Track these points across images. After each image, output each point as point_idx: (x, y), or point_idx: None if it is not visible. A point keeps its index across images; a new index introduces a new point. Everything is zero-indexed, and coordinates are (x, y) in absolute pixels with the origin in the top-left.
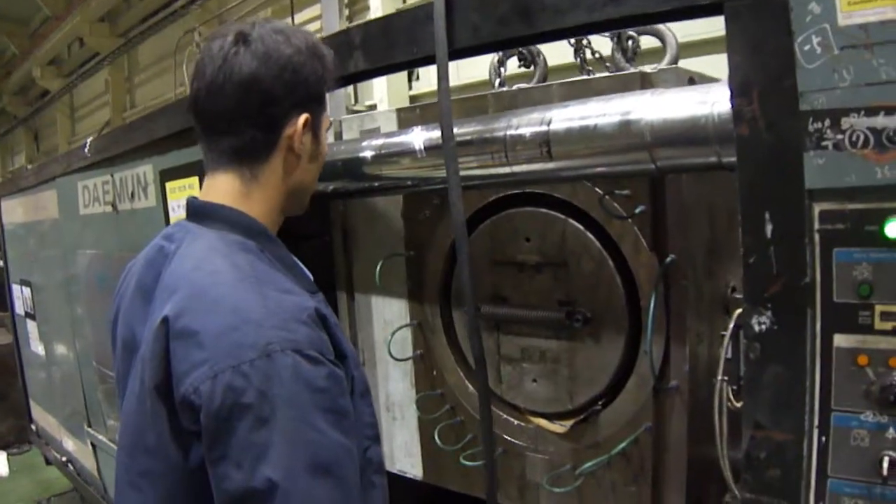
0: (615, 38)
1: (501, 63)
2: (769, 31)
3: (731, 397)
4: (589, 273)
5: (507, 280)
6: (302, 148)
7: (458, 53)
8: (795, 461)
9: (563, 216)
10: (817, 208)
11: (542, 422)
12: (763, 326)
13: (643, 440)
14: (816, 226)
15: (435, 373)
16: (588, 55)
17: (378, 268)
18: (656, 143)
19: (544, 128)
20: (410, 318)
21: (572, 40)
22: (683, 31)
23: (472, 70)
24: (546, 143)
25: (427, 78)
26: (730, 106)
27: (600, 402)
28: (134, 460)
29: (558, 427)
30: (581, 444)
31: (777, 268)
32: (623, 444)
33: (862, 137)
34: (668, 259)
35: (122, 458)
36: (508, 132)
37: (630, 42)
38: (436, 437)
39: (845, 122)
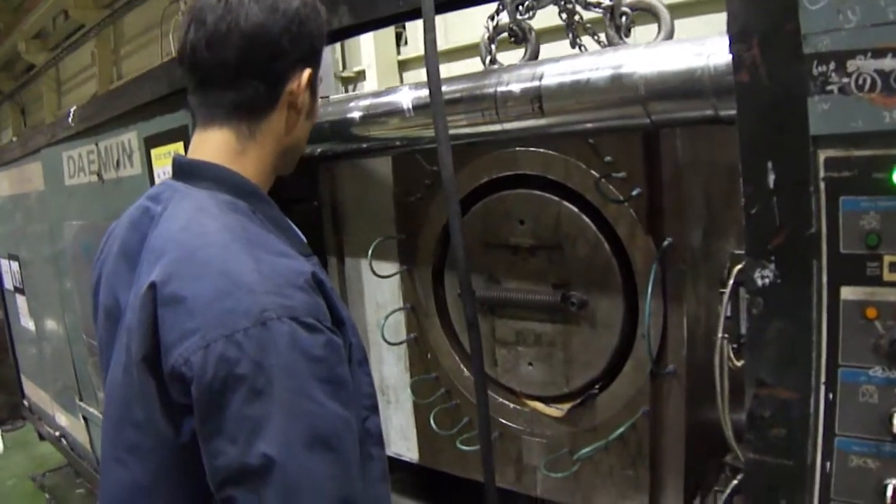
0: (608, 14)
1: (492, 40)
2: None
3: (732, 356)
4: (584, 256)
5: (500, 263)
6: (302, 104)
7: (444, 6)
8: (801, 419)
9: (557, 199)
10: (822, 155)
11: (539, 405)
12: (766, 280)
13: (641, 424)
14: (822, 174)
15: (429, 356)
16: (581, 32)
17: (370, 251)
18: (651, 97)
19: (536, 83)
20: (403, 302)
21: (563, 15)
22: None
23: (460, 34)
24: (538, 99)
25: (415, 43)
26: (727, 56)
27: (597, 386)
28: (120, 435)
29: (555, 411)
30: (578, 427)
31: (780, 219)
32: (621, 429)
33: (869, 80)
34: (665, 243)
35: (107, 432)
36: (499, 88)
37: (624, 18)
38: (431, 422)
39: (851, 65)
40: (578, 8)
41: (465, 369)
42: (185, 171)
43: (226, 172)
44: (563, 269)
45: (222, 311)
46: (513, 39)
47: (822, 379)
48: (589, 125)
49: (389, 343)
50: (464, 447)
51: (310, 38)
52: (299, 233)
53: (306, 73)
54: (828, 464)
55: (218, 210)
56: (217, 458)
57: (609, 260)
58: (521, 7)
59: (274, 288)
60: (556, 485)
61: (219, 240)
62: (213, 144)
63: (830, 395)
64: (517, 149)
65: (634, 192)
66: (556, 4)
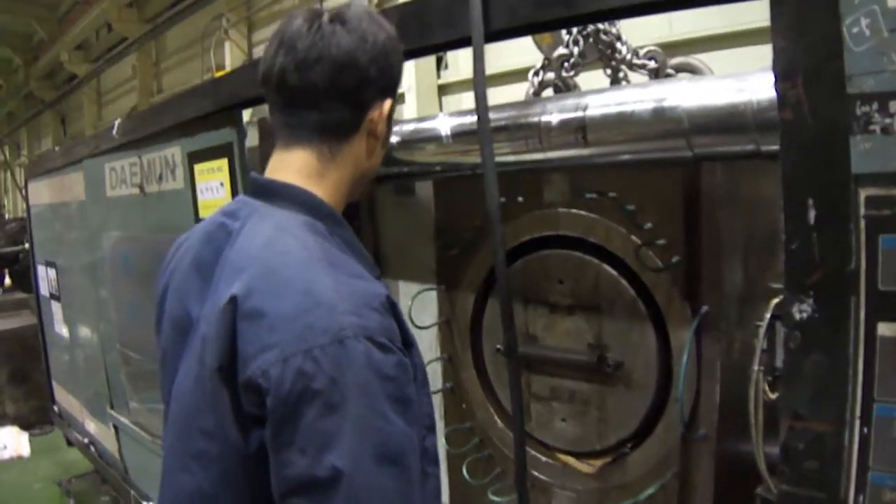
0: (653, 75)
1: (537, 94)
2: (816, 14)
3: (767, 389)
4: (621, 319)
5: (538, 320)
6: (381, 132)
7: (494, 35)
8: (835, 453)
9: (597, 261)
10: (863, 193)
11: (571, 460)
12: (804, 314)
13: (670, 485)
14: (862, 211)
15: (464, 406)
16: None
17: (410, 302)
18: (694, 130)
19: (580, 114)
20: (441, 352)
21: (608, 71)
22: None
23: (503, 59)
24: (582, 129)
25: (455, 66)
26: (769, 93)
27: (629, 445)
28: (187, 443)
29: (586, 466)
30: (608, 484)
31: (820, 254)
32: (651, 489)
33: None
34: (702, 310)
35: (171, 440)
36: (543, 118)
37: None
38: (464, 471)
39: (893, 106)
40: (624, 68)
41: (499, 420)
42: (264, 190)
43: (305, 194)
44: (600, 329)
45: (302, 327)
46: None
47: (858, 413)
48: (632, 156)
49: None
50: (495, 498)
51: (392, 69)
52: (370, 257)
53: (387, 102)
54: (861, 497)
55: (299, 230)
56: (286, 469)
57: (645, 324)
58: (566, 64)
59: (352, 308)
60: None
61: (300, 259)
62: (294, 164)
63: (865, 430)
64: (559, 210)
65: (674, 260)
66: (601, 63)
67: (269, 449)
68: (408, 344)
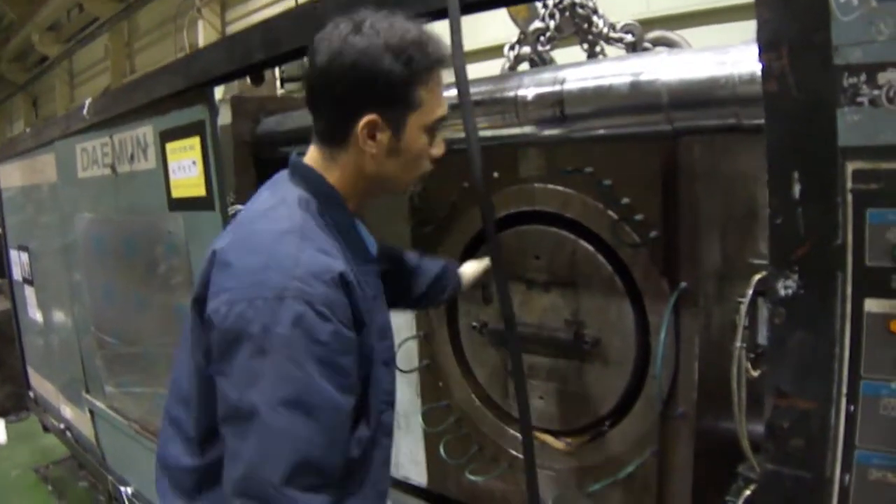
0: (631, 49)
1: (512, 69)
2: None
3: (749, 366)
4: (598, 295)
5: (515, 296)
6: (372, 144)
7: (471, 7)
8: (821, 431)
9: (573, 237)
10: (850, 167)
11: (549, 438)
12: (789, 290)
13: (649, 463)
14: (849, 185)
15: (441, 384)
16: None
17: None
18: (673, 104)
19: (557, 87)
20: (417, 329)
21: (585, 46)
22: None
23: (479, 37)
24: (559, 103)
25: None
26: (750, 66)
27: (607, 423)
28: (185, 353)
29: (564, 445)
30: (587, 462)
31: (805, 229)
32: (630, 467)
33: None
34: (680, 287)
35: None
36: (519, 92)
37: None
38: (441, 451)
39: (882, 78)
40: (601, 42)
41: (475, 398)
42: (293, 168)
43: (312, 174)
44: (577, 305)
45: (255, 280)
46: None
47: (844, 391)
48: (610, 130)
49: (402, 371)
50: (473, 476)
51: (370, 85)
52: (368, 243)
53: (366, 117)
54: (847, 476)
55: (293, 204)
56: (224, 393)
57: (623, 300)
58: (541, 38)
59: (302, 275)
60: None
61: (280, 228)
62: (312, 155)
63: (851, 408)
64: (535, 185)
65: (652, 235)
66: (577, 37)
67: (214, 374)
68: (360, 323)
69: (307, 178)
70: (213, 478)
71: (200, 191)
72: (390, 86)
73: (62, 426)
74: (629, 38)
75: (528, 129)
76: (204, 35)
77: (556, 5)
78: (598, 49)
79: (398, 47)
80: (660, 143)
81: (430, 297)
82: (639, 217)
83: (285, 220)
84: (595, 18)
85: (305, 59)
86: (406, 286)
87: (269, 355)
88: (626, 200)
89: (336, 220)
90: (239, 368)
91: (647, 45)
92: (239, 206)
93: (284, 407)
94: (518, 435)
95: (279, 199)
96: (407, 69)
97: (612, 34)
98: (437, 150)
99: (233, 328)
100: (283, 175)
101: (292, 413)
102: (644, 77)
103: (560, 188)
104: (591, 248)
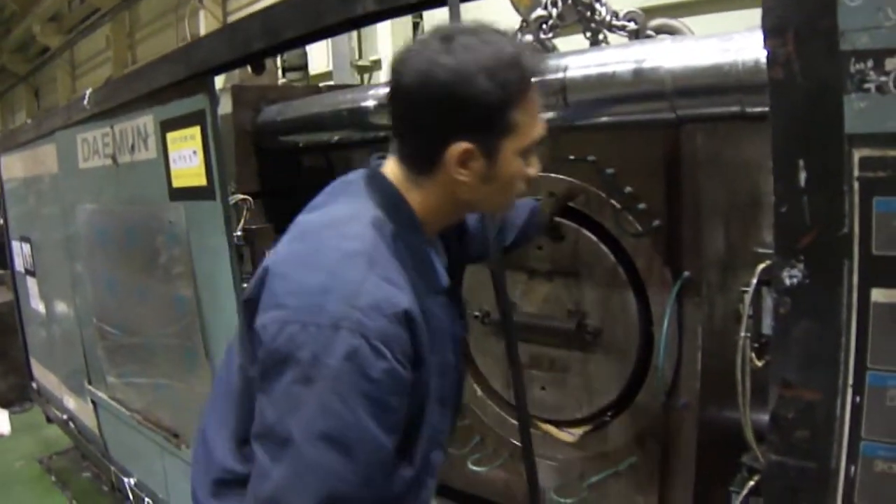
0: (633, 37)
1: None
2: None
3: (753, 356)
4: (601, 285)
5: (517, 286)
6: (465, 173)
7: None
8: (826, 422)
9: (576, 226)
10: (857, 154)
11: (551, 429)
12: (795, 280)
13: (652, 454)
14: (856, 173)
15: None
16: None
17: None
18: (677, 92)
19: (560, 75)
20: None
21: (588, 34)
22: None
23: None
24: (562, 91)
25: None
26: (754, 53)
27: (610, 413)
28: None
29: (567, 435)
30: (589, 452)
31: (811, 218)
32: (633, 458)
33: None
34: (683, 276)
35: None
36: None
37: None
38: None
39: (889, 63)
40: (603, 30)
41: (478, 389)
42: (371, 176)
43: (394, 196)
44: (580, 295)
45: (313, 303)
46: None
47: (850, 381)
48: (613, 118)
49: None
50: (475, 467)
51: (462, 111)
52: (441, 273)
53: (460, 147)
54: (852, 468)
55: (366, 224)
56: (260, 413)
57: (625, 290)
58: (544, 26)
59: (363, 306)
60: None
61: (347, 247)
62: (395, 170)
63: (857, 398)
64: (538, 174)
65: (654, 224)
66: (580, 25)
67: (256, 387)
68: (418, 361)
69: (387, 198)
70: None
71: (201, 180)
72: (484, 111)
73: (65, 417)
74: (632, 25)
75: None
76: (205, 25)
77: None
78: (600, 37)
79: (492, 68)
80: (663, 131)
81: (515, 246)
82: (642, 206)
83: (356, 239)
84: (597, 6)
85: (389, 78)
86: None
87: (314, 385)
88: (629, 189)
89: (410, 247)
90: (281, 391)
91: (649, 32)
92: (240, 196)
93: (321, 441)
94: (516, 423)
95: (352, 214)
96: (502, 91)
97: (615, 22)
98: (533, 170)
99: (281, 350)
100: (358, 181)
101: (328, 448)
102: (647, 64)
103: (563, 177)
104: (593, 237)
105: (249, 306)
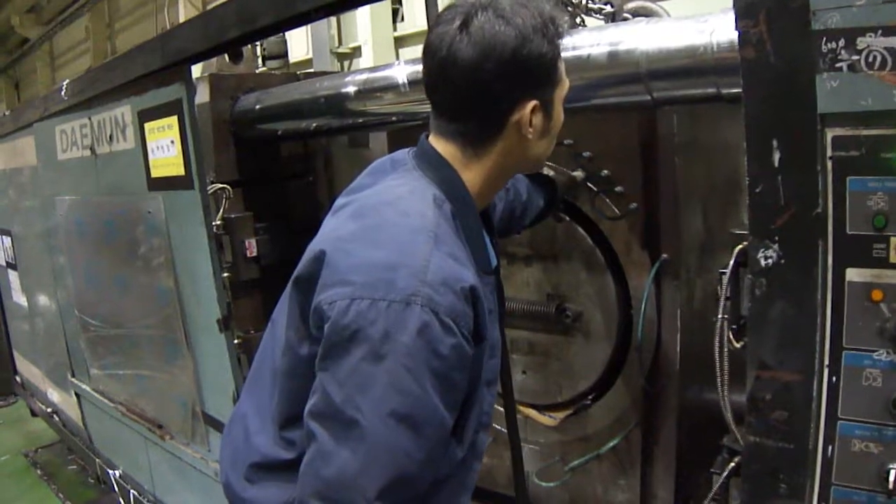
0: (610, 20)
1: None
2: None
3: (732, 338)
4: (579, 268)
5: None
6: (531, 130)
7: None
8: (803, 402)
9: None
10: (830, 134)
11: (533, 413)
12: (770, 260)
13: (632, 436)
14: (829, 153)
15: None
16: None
17: None
18: (652, 74)
19: None
20: None
21: (564, 17)
22: None
23: None
24: None
25: (411, 18)
26: (729, 34)
27: (590, 397)
28: (279, 327)
29: (548, 419)
30: (570, 436)
31: (785, 198)
32: (614, 441)
33: (879, 58)
34: (661, 259)
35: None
36: None
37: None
38: None
39: (861, 42)
40: (580, 13)
41: None
42: (423, 155)
43: (452, 176)
44: (559, 279)
45: (381, 278)
46: None
47: (826, 362)
48: (590, 101)
49: None
50: None
51: (529, 72)
52: (492, 253)
53: (530, 105)
54: (829, 448)
55: (425, 201)
56: (319, 393)
57: (604, 273)
58: None
59: (433, 281)
60: (548, 491)
61: (411, 224)
62: (447, 149)
63: (834, 379)
64: None
65: (631, 207)
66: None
67: (316, 367)
68: (479, 338)
69: (443, 175)
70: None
71: (179, 170)
72: (544, 67)
73: (49, 410)
74: (608, 8)
75: None
76: (185, 14)
77: None
78: (577, 21)
79: (542, 27)
80: (640, 114)
81: (533, 223)
82: (619, 189)
83: (417, 216)
84: None
85: (426, 62)
86: (518, 222)
87: (385, 362)
88: (605, 172)
89: (467, 227)
90: (349, 370)
91: (626, 15)
92: (219, 185)
93: (393, 419)
94: (501, 409)
95: (409, 190)
96: (552, 46)
97: (591, 5)
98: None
99: (351, 325)
100: (405, 159)
101: (400, 426)
102: (622, 47)
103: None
104: (571, 221)
105: (300, 285)
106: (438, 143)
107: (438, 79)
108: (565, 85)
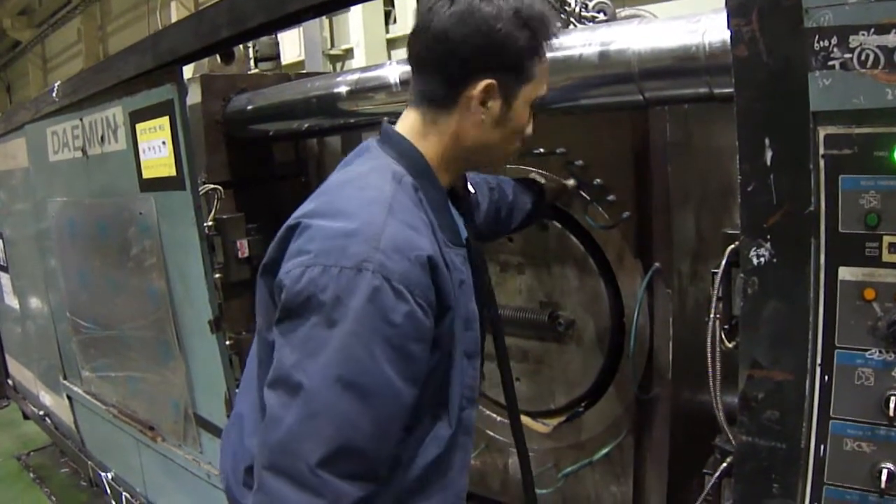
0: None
1: None
2: None
3: (724, 338)
4: (572, 277)
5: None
6: (482, 111)
7: None
8: (796, 402)
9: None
10: (822, 132)
11: (526, 420)
12: (762, 259)
13: (625, 444)
14: (822, 151)
15: None
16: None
17: None
18: (644, 74)
19: None
20: None
21: (557, 24)
22: None
23: None
24: None
25: (404, 20)
26: (722, 34)
27: (583, 404)
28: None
29: (541, 426)
30: (564, 443)
31: (777, 197)
32: (607, 448)
33: (871, 56)
34: (653, 267)
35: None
36: None
37: None
38: None
39: (854, 41)
40: (573, 21)
41: None
42: (384, 136)
43: (410, 148)
44: (552, 287)
45: (335, 246)
46: None
47: (818, 361)
48: (581, 102)
49: None
50: None
51: (497, 50)
52: (460, 225)
53: (484, 82)
54: (822, 447)
55: (385, 176)
56: (277, 361)
57: (597, 281)
58: None
59: (386, 248)
60: (541, 498)
61: (368, 197)
62: (406, 122)
63: (826, 378)
64: (507, 166)
65: (624, 216)
66: None
67: (274, 333)
68: (444, 308)
69: (401, 150)
70: None
71: (171, 171)
72: (514, 53)
73: (41, 413)
74: (601, 16)
75: None
76: (177, 16)
77: None
78: (570, 28)
79: (526, 17)
80: (632, 120)
81: (521, 227)
82: (611, 198)
83: (374, 189)
84: None
85: (415, 11)
86: (504, 224)
87: (336, 327)
88: (598, 181)
89: (430, 198)
90: (302, 335)
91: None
92: (210, 185)
93: (340, 385)
94: (495, 416)
95: (369, 168)
96: (532, 40)
97: (585, 13)
98: (530, 129)
99: (303, 292)
100: (371, 143)
101: (346, 393)
102: (614, 47)
103: (532, 169)
104: (564, 229)
105: (270, 269)
106: (405, 116)
107: (419, 34)
108: (539, 88)
